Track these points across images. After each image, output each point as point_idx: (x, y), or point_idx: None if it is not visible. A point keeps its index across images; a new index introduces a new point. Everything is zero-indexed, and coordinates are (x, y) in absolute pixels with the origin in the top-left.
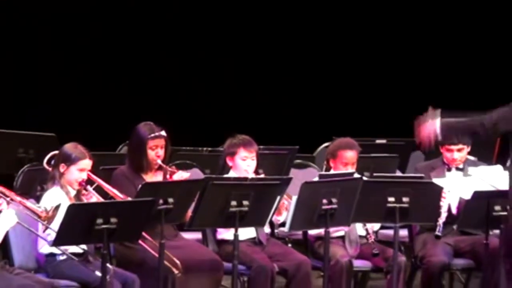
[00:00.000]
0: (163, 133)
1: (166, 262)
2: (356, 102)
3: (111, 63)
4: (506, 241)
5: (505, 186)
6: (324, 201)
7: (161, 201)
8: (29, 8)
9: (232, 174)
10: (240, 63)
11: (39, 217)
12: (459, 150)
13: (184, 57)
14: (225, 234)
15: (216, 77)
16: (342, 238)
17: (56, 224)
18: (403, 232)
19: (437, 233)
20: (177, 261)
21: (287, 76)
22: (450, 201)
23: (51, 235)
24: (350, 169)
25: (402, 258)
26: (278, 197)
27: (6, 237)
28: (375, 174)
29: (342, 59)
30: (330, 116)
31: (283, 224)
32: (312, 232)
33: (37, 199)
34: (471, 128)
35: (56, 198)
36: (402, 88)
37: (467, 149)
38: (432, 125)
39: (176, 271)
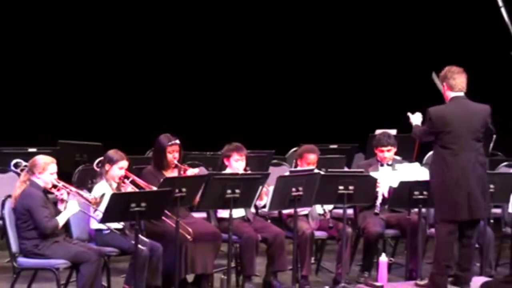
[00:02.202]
0: (177, 141)
1: (181, 231)
2: (316, 117)
3: (139, 90)
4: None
5: (422, 178)
6: (293, 189)
7: (177, 190)
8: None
9: (228, 170)
10: (230, 84)
11: (90, 202)
12: (388, 151)
13: (193, 83)
14: (223, 213)
15: (214, 98)
16: (306, 215)
17: (102, 207)
18: (350, 211)
19: (376, 211)
20: (190, 229)
21: (268, 97)
22: (382, 188)
23: (99, 215)
24: (312, 166)
25: (349, 229)
26: (260, 187)
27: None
28: (329, 170)
29: (305, 82)
30: (297, 127)
31: (264, 206)
32: (285, 211)
33: (89, 190)
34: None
35: (103, 189)
36: (351, 105)
37: (394, 150)
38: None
39: (189, 237)
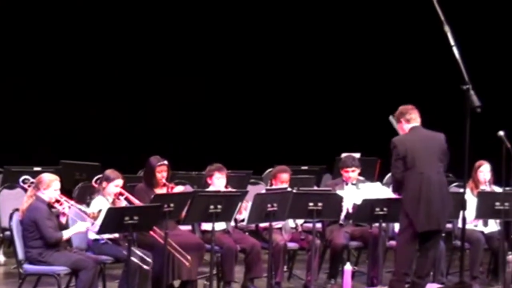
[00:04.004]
0: (166, 162)
1: (181, 258)
2: (289, 141)
3: (132, 117)
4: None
5: (382, 196)
6: (269, 205)
7: (165, 206)
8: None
9: (211, 188)
10: (214, 113)
11: (88, 216)
12: (352, 172)
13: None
14: (206, 226)
15: (200, 125)
16: (280, 228)
17: (99, 220)
18: (319, 225)
19: (340, 223)
20: (189, 257)
21: (246, 123)
22: (347, 205)
23: (96, 227)
24: (285, 185)
25: (318, 241)
26: (239, 203)
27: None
28: (300, 188)
29: (279, 111)
30: (273, 150)
31: (243, 220)
32: (261, 225)
33: (88, 205)
34: (395, 182)
35: (100, 204)
36: (320, 131)
37: (358, 171)
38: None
39: (187, 264)
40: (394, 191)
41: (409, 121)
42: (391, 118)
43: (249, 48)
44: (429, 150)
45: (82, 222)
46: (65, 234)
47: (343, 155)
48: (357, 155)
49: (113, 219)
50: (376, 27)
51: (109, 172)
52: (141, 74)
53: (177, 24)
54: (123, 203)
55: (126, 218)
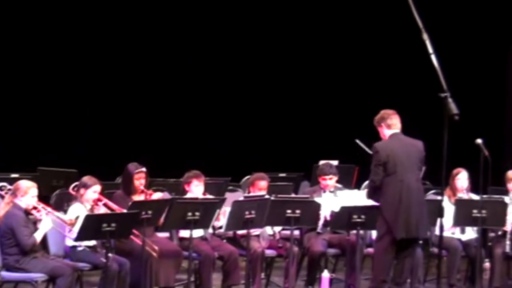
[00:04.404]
0: (144, 169)
1: (148, 249)
2: (267, 149)
3: (109, 124)
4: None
5: (360, 203)
6: (247, 212)
7: (143, 213)
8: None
9: (189, 195)
10: (192, 120)
11: (66, 223)
12: (330, 179)
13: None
14: (184, 233)
15: (178, 132)
16: (258, 236)
17: (77, 227)
18: (296, 232)
19: (318, 230)
20: (156, 247)
21: (225, 131)
22: (325, 212)
23: (74, 234)
24: (263, 192)
25: (296, 249)
26: (217, 210)
27: (45, 236)
28: (278, 196)
29: (258, 118)
30: (251, 158)
31: (220, 227)
32: (239, 232)
33: (65, 212)
34: (373, 188)
35: (78, 210)
36: (298, 139)
37: (335, 178)
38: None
39: (155, 254)
40: (369, 197)
41: (390, 127)
42: (358, 141)
43: (227, 55)
44: (410, 158)
45: (47, 218)
46: (37, 236)
47: (321, 162)
48: (334, 162)
49: (91, 226)
50: (355, 35)
51: (86, 178)
52: (118, 81)
53: (154, 34)
54: (101, 209)
55: (104, 225)
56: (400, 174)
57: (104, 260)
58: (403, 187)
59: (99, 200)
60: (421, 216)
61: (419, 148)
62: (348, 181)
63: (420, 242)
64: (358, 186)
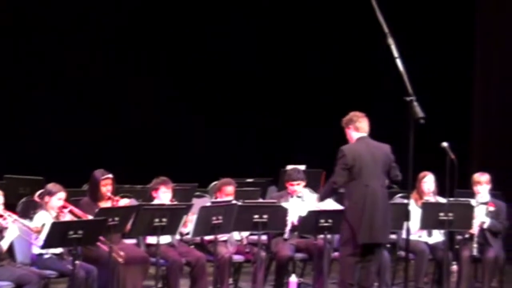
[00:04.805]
0: (110, 175)
1: (114, 255)
2: (234, 154)
3: (75, 131)
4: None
5: (327, 207)
6: (214, 218)
7: (110, 219)
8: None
9: (156, 202)
10: (158, 126)
11: (32, 231)
12: (298, 184)
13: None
14: (151, 239)
15: (144, 138)
16: (225, 241)
17: (43, 235)
18: (264, 237)
19: (285, 236)
20: (122, 254)
21: (191, 136)
22: (292, 217)
23: (40, 242)
24: (230, 197)
25: (263, 253)
26: (184, 216)
27: (11, 244)
28: (246, 201)
29: (225, 123)
30: (218, 163)
31: (188, 233)
32: (206, 237)
33: (31, 219)
34: (332, 190)
35: (43, 218)
36: (265, 143)
37: (303, 183)
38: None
39: (121, 260)
40: (323, 198)
41: (358, 129)
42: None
43: (189, 58)
44: (376, 162)
45: (13, 226)
46: (3, 244)
47: (288, 167)
48: (302, 167)
49: (58, 234)
50: (321, 38)
51: (50, 186)
52: (82, 86)
53: (113, 41)
54: (67, 216)
55: (71, 232)
56: (366, 179)
57: (71, 268)
58: (368, 192)
59: (64, 207)
60: (385, 221)
61: (385, 152)
62: (315, 186)
63: (388, 245)
64: None
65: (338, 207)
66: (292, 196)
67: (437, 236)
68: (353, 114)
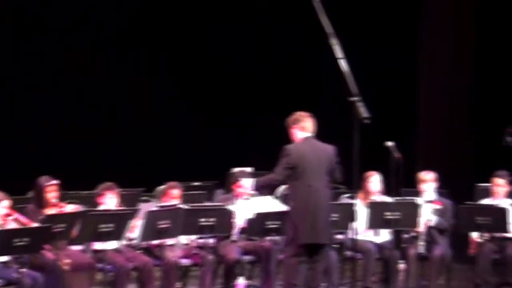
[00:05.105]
0: (55, 182)
1: (60, 262)
2: (181, 157)
3: (18, 137)
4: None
5: (274, 209)
6: (160, 222)
7: (56, 226)
8: None
9: (102, 207)
10: (105, 131)
11: None
12: None
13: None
14: (98, 245)
15: (89, 143)
16: (172, 245)
17: None
18: (211, 240)
19: (233, 238)
20: (68, 260)
21: (137, 140)
22: (239, 219)
23: None
24: (177, 201)
25: (211, 257)
26: (131, 221)
27: None
28: (192, 204)
29: (171, 127)
30: (163, 168)
31: (135, 238)
32: (153, 242)
33: None
34: (268, 185)
35: None
36: (211, 146)
37: None
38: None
39: (66, 267)
40: (257, 188)
41: (303, 129)
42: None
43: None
44: (320, 163)
45: None
46: None
47: (235, 169)
48: (248, 169)
49: (3, 242)
50: (265, 39)
51: None
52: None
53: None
54: (12, 224)
55: (16, 240)
56: (309, 179)
57: (17, 276)
58: (311, 192)
59: (8, 215)
60: (327, 222)
61: (329, 153)
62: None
63: (335, 245)
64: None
65: (284, 208)
66: (238, 199)
67: (384, 235)
68: (298, 114)
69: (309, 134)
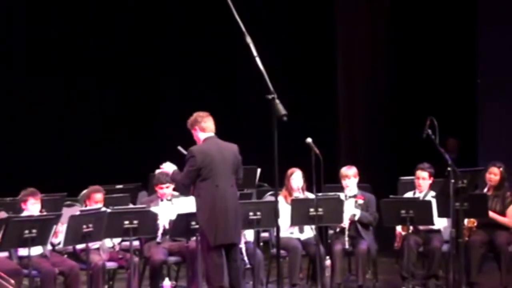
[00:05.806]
0: None
1: None
2: (101, 162)
3: None
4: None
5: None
6: (84, 226)
7: None
8: None
9: (25, 213)
10: (28, 135)
11: None
12: (167, 188)
13: None
14: (23, 251)
15: (12, 146)
16: (98, 249)
17: None
18: (136, 242)
19: (158, 240)
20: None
21: (60, 146)
22: (163, 221)
23: None
24: (100, 204)
25: (136, 259)
26: (54, 226)
27: None
28: (115, 207)
29: (88, 130)
30: (86, 172)
31: (59, 243)
32: (78, 246)
33: None
34: (178, 183)
35: None
36: (134, 149)
37: (172, 186)
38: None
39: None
40: (172, 180)
41: (204, 130)
42: (179, 147)
43: (60, 64)
44: (225, 162)
45: None
46: None
47: (157, 171)
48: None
49: None
50: (183, 36)
51: None
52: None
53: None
54: None
55: None
56: (215, 179)
57: None
58: (218, 192)
59: None
60: (237, 221)
61: (234, 152)
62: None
63: (261, 243)
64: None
65: None
66: (162, 200)
67: (309, 232)
68: (197, 115)
69: (211, 134)
